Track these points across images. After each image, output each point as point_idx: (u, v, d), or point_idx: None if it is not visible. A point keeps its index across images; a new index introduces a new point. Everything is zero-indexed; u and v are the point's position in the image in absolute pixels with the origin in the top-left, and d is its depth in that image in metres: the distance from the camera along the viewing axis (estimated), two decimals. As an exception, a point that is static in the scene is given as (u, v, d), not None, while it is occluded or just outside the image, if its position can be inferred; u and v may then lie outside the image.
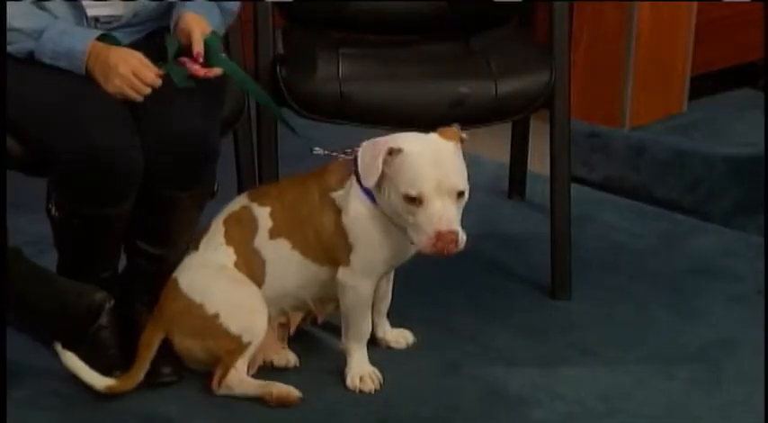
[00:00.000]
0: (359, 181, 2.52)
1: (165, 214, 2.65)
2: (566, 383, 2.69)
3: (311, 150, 2.64)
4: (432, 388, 2.68)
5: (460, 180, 2.44)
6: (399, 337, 2.82)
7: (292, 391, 2.58)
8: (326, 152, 2.62)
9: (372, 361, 2.68)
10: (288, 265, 2.60)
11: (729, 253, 3.29)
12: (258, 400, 2.59)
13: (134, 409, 2.56)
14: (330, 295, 2.66)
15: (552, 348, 2.83)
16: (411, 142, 2.46)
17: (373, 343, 2.73)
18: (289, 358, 2.70)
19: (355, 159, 2.52)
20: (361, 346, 2.67)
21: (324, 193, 2.57)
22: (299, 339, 2.76)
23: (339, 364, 2.69)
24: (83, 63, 2.54)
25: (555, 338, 2.87)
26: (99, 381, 2.54)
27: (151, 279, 2.67)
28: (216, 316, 2.56)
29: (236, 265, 2.61)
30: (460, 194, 2.44)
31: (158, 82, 2.54)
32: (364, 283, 2.60)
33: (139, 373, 2.56)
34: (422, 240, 2.42)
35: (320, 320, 2.76)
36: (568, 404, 2.62)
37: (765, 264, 3.06)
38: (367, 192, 2.52)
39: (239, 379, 2.58)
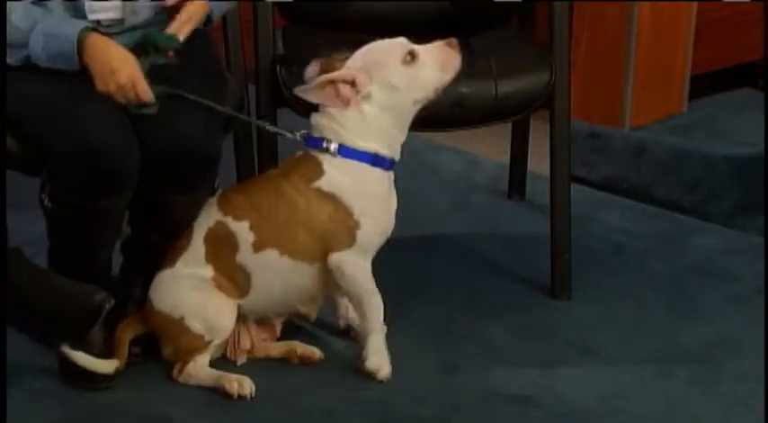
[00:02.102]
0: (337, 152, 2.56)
1: (167, 214, 2.66)
2: (566, 383, 2.69)
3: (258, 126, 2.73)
4: (432, 388, 2.68)
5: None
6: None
7: (244, 385, 2.60)
8: (273, 129, 2.68)
9: (372, 361, 2.69)
10: (276, 273, 2.61)
11: (729, 253, 3.29)
12: (257, 400, 2.59)
13: (134, 409, 2.56)
14: (317, 293, 2.68)
15: (552, 348, 2.83)
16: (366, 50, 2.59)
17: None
18: (313, 351, 2.73)
19: (308, 140, 2.58)
20: (380, 330, 2.66)
21: (303, 189, 2.57)
22: (298, 339, 2.77)
23: (339, 364, 2.70)
24: (75, 58, 2.52)
25: (555, 338, 2.87)
26: (105, 366, 2.59)
27: (150, 268, 2.69)
28: (181, 319, 2.62)
29: (214, 279, 2.62)
30: None
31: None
32: (363, 259, 2.61)
33: (121, 357, 2.63)
34: (434, 72, 2.58)
35: (312, 318, 2.77)
36: (568, 404, 2.62)
37: (765, 264, 3.06)
38: (354, 155, 2.55)
39: (196, 370, 2.64)
